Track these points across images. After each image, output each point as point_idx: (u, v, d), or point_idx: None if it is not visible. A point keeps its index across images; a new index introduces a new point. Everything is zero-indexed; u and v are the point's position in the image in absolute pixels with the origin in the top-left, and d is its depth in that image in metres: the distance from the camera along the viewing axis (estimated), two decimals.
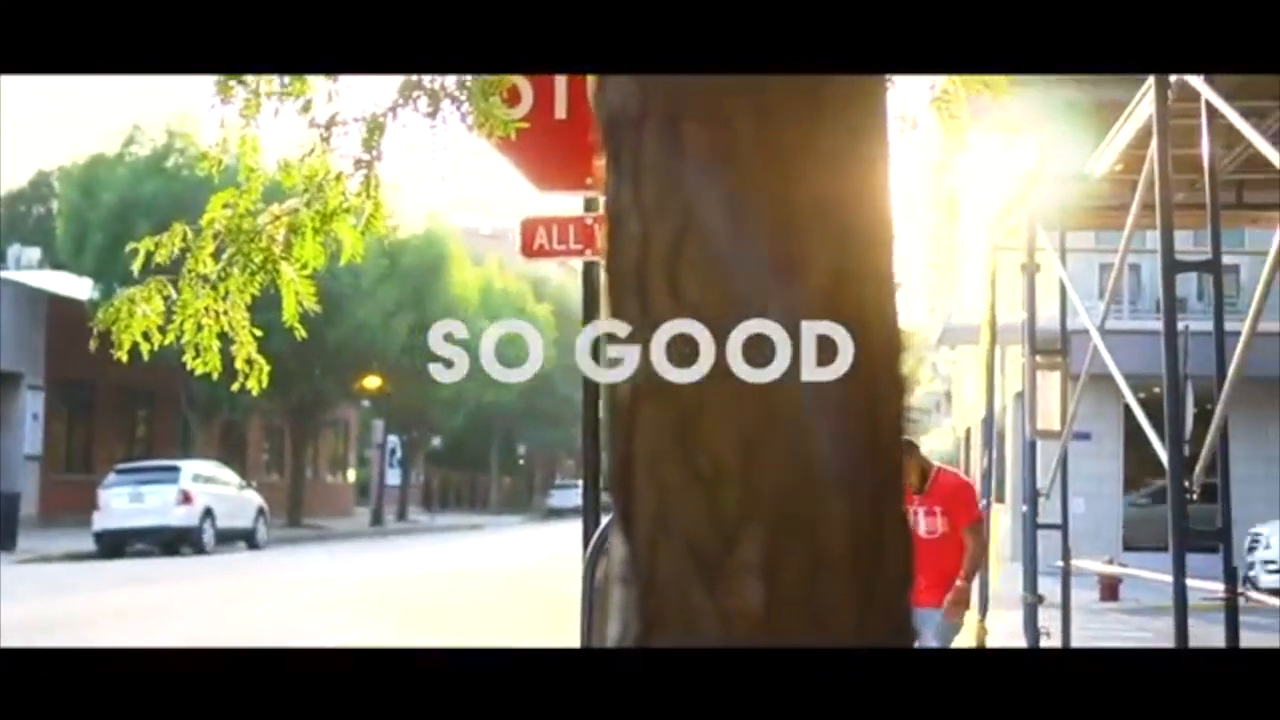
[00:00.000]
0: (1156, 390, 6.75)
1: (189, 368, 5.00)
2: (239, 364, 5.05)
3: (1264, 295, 5.82)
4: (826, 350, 1.92)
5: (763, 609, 1.88)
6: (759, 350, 1.91)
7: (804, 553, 1.90)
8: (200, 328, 4.90)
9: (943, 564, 8.22)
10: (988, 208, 14.04)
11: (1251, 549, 19.97)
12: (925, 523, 8.05)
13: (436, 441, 60.87)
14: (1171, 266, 6.74)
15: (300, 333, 5.04)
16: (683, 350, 1.93)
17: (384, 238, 5.25)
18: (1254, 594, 6.63)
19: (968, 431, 40.26)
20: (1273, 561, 18.78)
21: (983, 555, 8.29)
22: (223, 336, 5.01)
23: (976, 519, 8.35)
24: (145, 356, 5.11)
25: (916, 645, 7.61)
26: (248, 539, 33.98)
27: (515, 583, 24.12)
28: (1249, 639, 7.02)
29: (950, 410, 51.59)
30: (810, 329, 1.92)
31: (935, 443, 56.38)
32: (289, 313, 4.95)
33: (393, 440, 52.44)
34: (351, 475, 57.85)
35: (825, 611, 1.90)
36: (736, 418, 1.91)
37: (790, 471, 1.90)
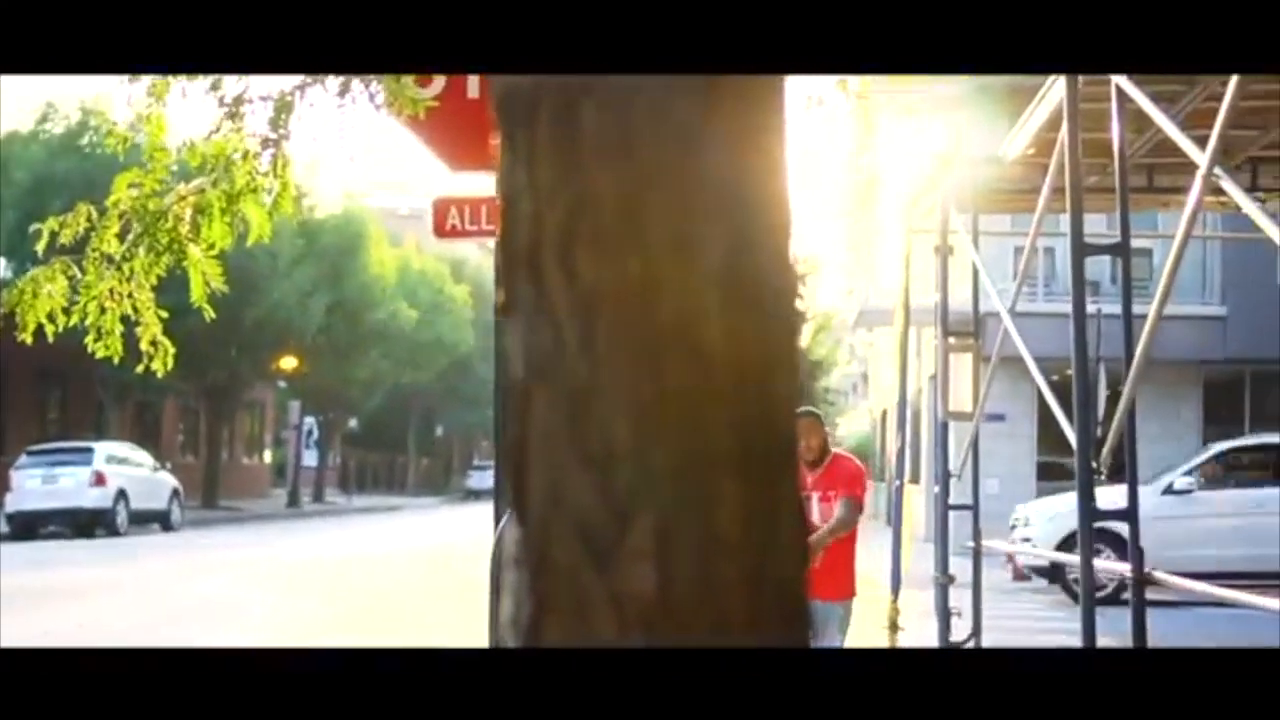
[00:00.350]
0: (1070, 372, 6.81)
1: (90, 350, 4.93)
2: (144, 345, 4.99)
3: (1170, 278, 5.88)
4: (722, 333, 1.92)
5: (654, 591, 1.88)
6: (655, 331, 1.91)
7: (696, 534, 1.90)
8: (104, 310, 4.84)
9: (841, 556, 8.19)
10: (903, 190, 14.11)
11: (1013, 528, 20.46)
12: (820, 510, 8.01)
13: (353, 423, 60.61)
14: (1081, 250, 6.80)
15: (209, 313, 4.99)
16: (576, 330, 1.92)
17: (301, 218, 5.21)
18: (1159, 575, 6.71)
19: (884, 413, 40.57)
20: (1030, 540, 19.39)
21: (846, 528, 8.23)
22: (128, 319, 4.94)
23: (857, 497, 8.32)
24: (50, 338, 5.04)
25: (822, 641, 7.64)
26: (162, 521, 33.74)
27: (435, 564, 24.05)
28: (1154, 618, 7.11)
29: (867, 392, 51.89)
30: (708, 310, 1.92)
31: (852, 424, 56.67)
32: (196, 293, 4.89)
33: (309, 421, 52.17)
34: (268, 456, 57.49)
35: (717, 593, 1.90)
36: (629, 398, 1.91)
37: (683, 452, 1.90)
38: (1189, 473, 19.45)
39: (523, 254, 1.98)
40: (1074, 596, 18.56)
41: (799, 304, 2.06)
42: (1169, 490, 19.42)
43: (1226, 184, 5.10)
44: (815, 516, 8.07)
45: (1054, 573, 19.39)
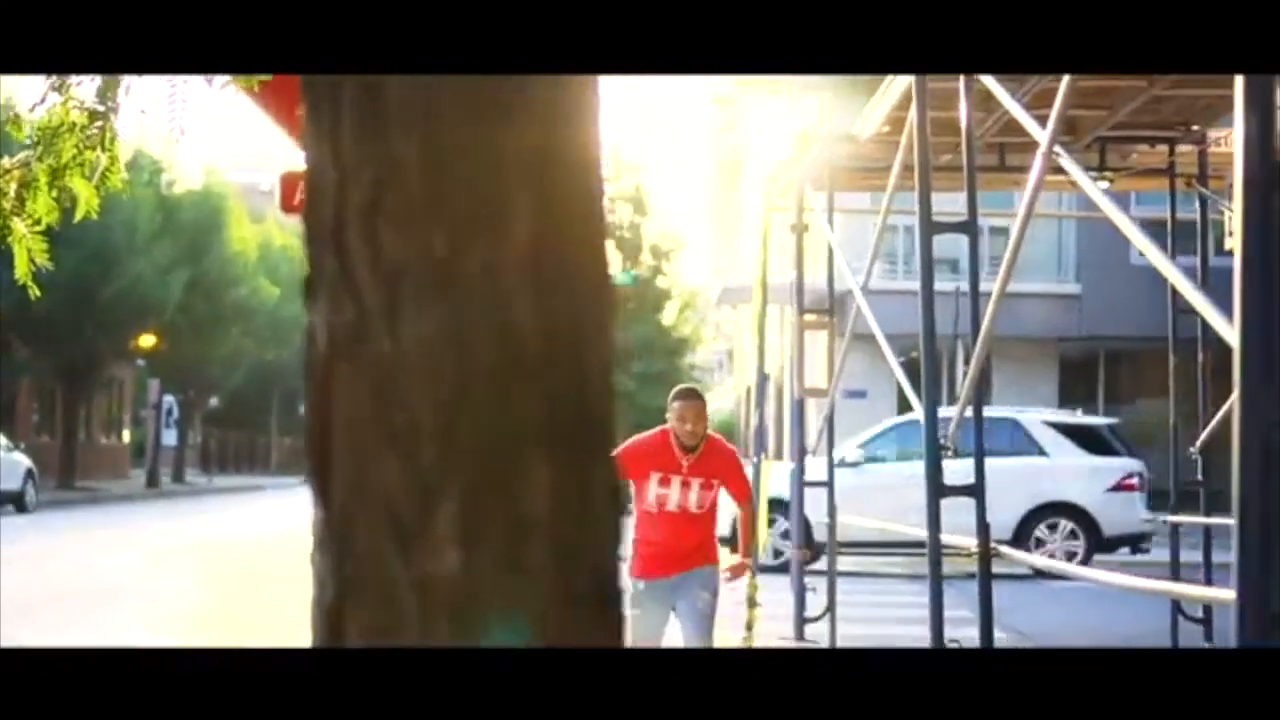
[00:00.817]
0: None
1: None
2: None
3: (1013, 256, 5.94)
4: (531, 309, 1.88)
5: (459, 575, 1.84)
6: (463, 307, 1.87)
7: (503, 516, 1.85)
8: None
9: (709, 531, 8.18)
10: (763, 168, 14.16)
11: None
12: (699, 497, 7.90)
13: (215, 401, 59.82)
14: (929, 227, 6.85)
15: (35, 291, 4.84)
16: (380, 306, 1.88)
17: (161, 193, 5.07)
18: (1005, 550, 6.79)
19: (748, 390, 40.80)
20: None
21: (754, 528, 8.33)
22: None
23: (751, 492, 8.34)
24: None
25: (699, 604, 7.55)
26: (16, 502, 33.10)
27: (295, 548, 23.79)
28: (999, 592, 7.20)
29: (733, 369, 52.17)
30: (516, 286, 1.88)
31: (718, 401, 57.00)
32: (21, 270, 4.74)
33: (169, 400, 51.38)
34: (127, 436, 56.58)
35: (525, 576, 1.86)
36: (435, 376, 1.86)
37: (490, 431, 1.86)
38: (863, 445, 19.92)
39: (327, 228, 1.93)
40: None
41: (612, 280, 2.02)
42: (841, 462, 19.95)
43: (1066, 162, 5.14)
44: (692, 504, 7.87)
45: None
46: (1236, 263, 2.94)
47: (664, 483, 7.85)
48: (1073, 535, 19.61)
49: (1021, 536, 19.05)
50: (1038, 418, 20.40)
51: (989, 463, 6.79)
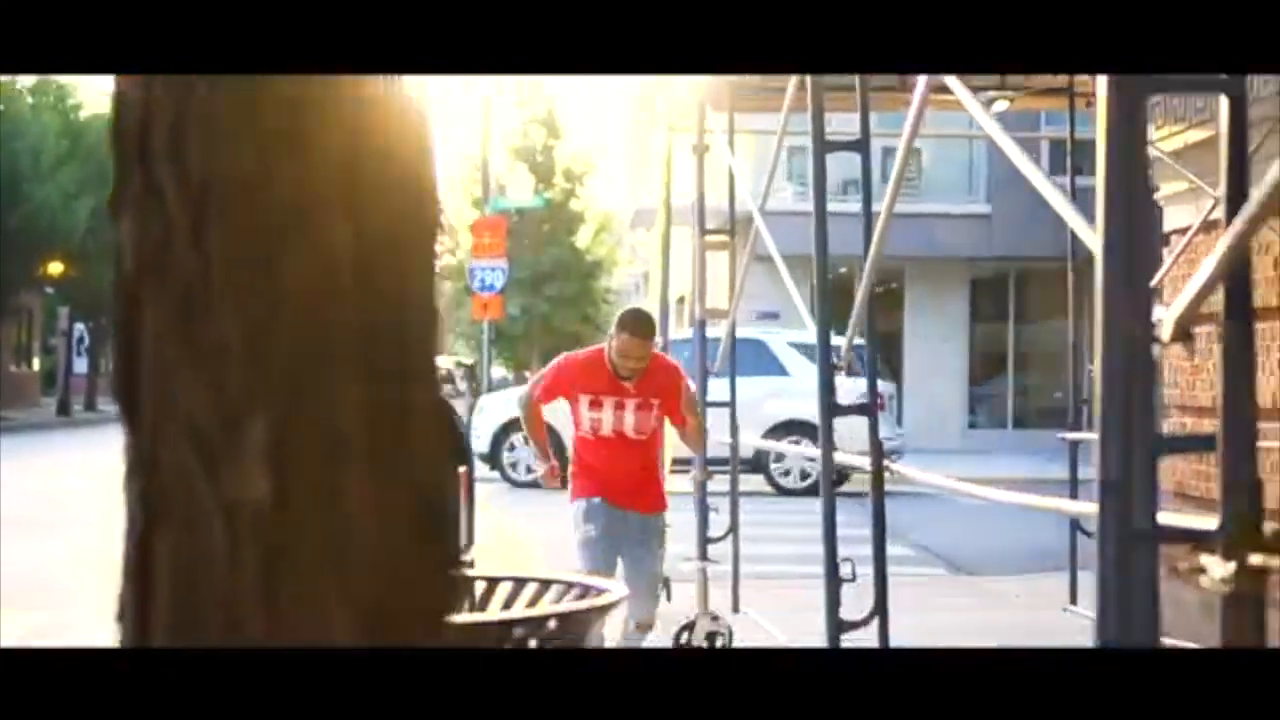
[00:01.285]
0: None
1: None
2: None
3: (899, 177, 5.93)
4: (346, 227, 1.83)
5: (268, 498, 1.79)
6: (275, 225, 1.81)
7: (315, 438, 1.81)
8: None
9: (653, 462, 7.82)
10: (666, 88, 14.07)
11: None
12: (636, 420, 7.52)
13: None
14: (822, 147, 6.82)
15: None
16: (187, 223, 1.82)
17: (70, 118, 4.92)
18: (897, 468, 6.81)
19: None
20: (480, 436, 21.03)
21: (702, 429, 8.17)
22: None
23: (692, 398, 7.98)
24: None
25: (641, 550, 7.28)
26: None
27: None
28: (904, 509, 7.24)
29: (648, 291, 52.14)
30: (329, 203, 1.82)
31: None
32: None
33: (79, 328, 50.79)
34: (36, 364, 55.92)
35: (338, 499, 1.82)
36: (244, 295, 1.81)
37: (301, 352, 1.81)
38: None
39: (132, 143, 1.86)
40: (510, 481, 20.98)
41: (436, 197, 1.96)
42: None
43: (952, 81, 5.12)
44: (629, 427, 7.49)
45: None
46: (1099, 161, 2.92)
47: (595, 405, 7.43)
48: None
49: (764, 452, 19.38)
50: (783, 339, 20.86)
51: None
